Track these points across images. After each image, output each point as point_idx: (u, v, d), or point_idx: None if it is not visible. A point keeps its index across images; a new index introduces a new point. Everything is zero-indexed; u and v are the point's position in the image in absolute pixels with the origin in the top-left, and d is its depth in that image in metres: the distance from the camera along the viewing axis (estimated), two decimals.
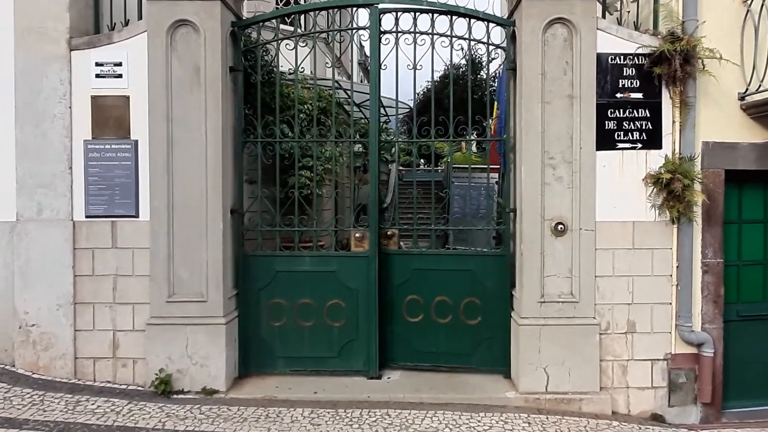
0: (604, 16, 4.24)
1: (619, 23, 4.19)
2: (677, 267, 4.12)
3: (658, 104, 4.10)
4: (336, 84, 5.31)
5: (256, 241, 4.47)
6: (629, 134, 4.11)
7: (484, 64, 4.72)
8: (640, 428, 3.87)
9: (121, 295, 4.16)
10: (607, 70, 4.09)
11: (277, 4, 10.33)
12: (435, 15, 4.37)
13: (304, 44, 4.42)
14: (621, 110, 4.10)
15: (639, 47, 4.07)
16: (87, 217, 4.15)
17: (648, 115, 4.11)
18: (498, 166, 5.90)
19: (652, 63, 4.01)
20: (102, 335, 4.17)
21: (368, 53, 4.50)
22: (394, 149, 6.62)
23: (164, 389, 3.97)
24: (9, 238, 4.18)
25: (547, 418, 3.82)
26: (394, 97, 4.64)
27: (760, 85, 3.89)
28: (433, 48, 4.37)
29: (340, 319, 4.40)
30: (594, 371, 4.04)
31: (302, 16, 4.55)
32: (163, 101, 4.03)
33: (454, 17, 4.36)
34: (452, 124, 4.38)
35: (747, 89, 4.05)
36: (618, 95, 4.10)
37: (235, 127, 4.37)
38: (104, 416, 3.60)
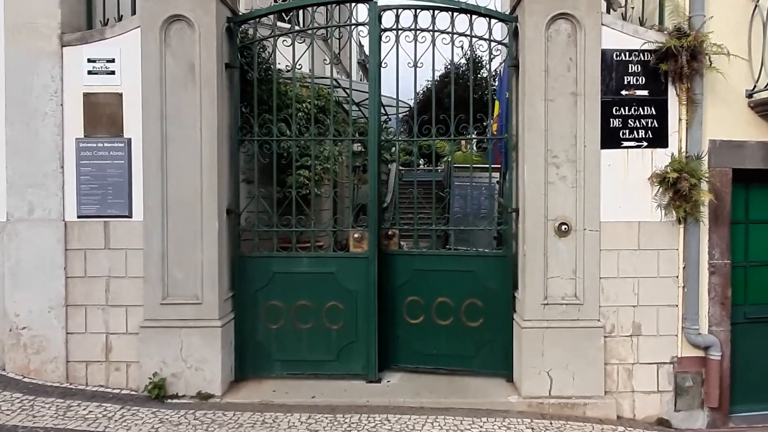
0: (608, 12, 4.14)
1: (624, 19, 4.09)
2: (683, 268, 4.03)
3: (664, 102, 4.01)
4: (335, 82, 5.22)
5: (252, 242, 4.37)
6: (634, 132, 4.01)
7: (485, 62, 4.60)
8: None
9: (114, 297, 4.06)
10: (612, 66, 3.99)
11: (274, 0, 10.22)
12: (436, 11, 4.28)
13: (301, 41, 4.32)
14: (626, 108, 4.01)
15: (645, 43, 3.97)
16: (79, 217, 4.05)
17: (654, 113, 4.01)
18: (499, 166, 5.84)
19: (659, 59, 3.92)
20: (94, 338, 4.07)
21: (368, 51, 4.40)
22: (393, 149, 6.56)
23: (158, 393, 3.87)
24: None
25: (551, 423, 3.72)
26: (395, 96, 4.58)
27: None
28: (434, 45, 4.30)
29: (339, 321, 4.31)
30: (598, 375, 3.95)
31: (300, 12, 4.46)
32: (156, 98, 3.93)
33: (456, 13, 4.27)
34: (453, 123, 4.30)
35: (755, 86, 3.96)
36: (623, 92, 4.01)
37: (231, 126, 4.27)
38: (96, 422, 3.50)
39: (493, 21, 4.28)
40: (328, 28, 4.40)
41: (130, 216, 4.04)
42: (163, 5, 3.91)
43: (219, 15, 4.01)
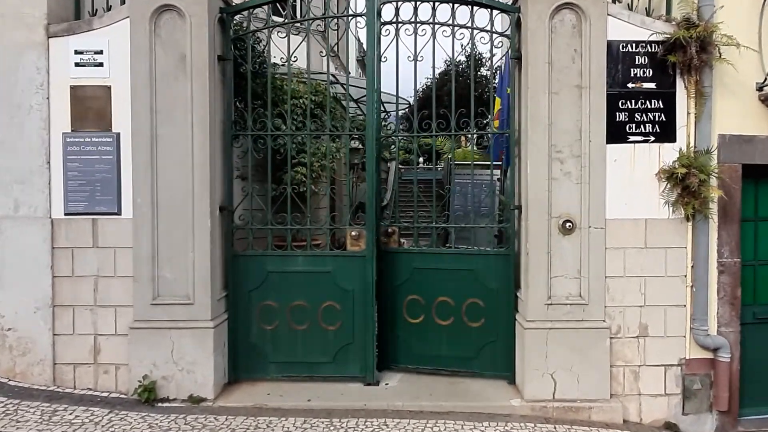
0: (614, 2, 4.00)
1: (630, 9, 3.95)
2: (692, 267, 3.90)
3: (672, 95, 3.88)
4: (333, 78, 5.08)
5: (246, 240, 4.24)
6: (641, 126, 3.88)
7: (486, 58, 4.49)
8: None
9: (102, 298, 3.92)
10: (618, 58, 3.86)
11: None
12: (436, 3, 4.15)
13: (296, 33, 4.18)
14: (633, 101, 3.88)
15: (652, 34, 3.84)
16: (66, 214, 3.91)
17: (661, 107, 3.88)
18: (500, 163, 5.71)
19: (666, 51, 3.79)
20: (82, 340, 3.94)
21: (365, 44, 4.27)
22: (393, 146, 6.41)
23: (148, 397, 3.74)
24: None
25: (555, 427, 3.60)
26: (394, 92, 4.47)
27: None
28: (434, 38, 4.20)
29: (336, 322, 4.18)
30: (604, 377, 3.83)
31: (297, 3, 4.32)
32: (146, 91, 3.80)
33: (457, 5, 4.14)
34: (454, 117, 4.19)
35: (766, 79, 3.84)
36: (629, 85, 3.87)
37: (224, 120, 4.14)
38: (82, 427, 3.37)
39: (495, 12, 4.15)
40: (325, 19, 4.25)
41: (119, 213, 3.90)
42: None
43: (211, 5, 3.87)
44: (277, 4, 4.27)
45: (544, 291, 3.83)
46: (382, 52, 4.21)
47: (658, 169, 3.87)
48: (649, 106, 3.88)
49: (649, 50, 3.85)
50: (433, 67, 4.36)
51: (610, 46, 3.83)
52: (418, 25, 4.21)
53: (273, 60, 4.49)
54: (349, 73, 14.20)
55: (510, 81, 4.27)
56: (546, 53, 3.78)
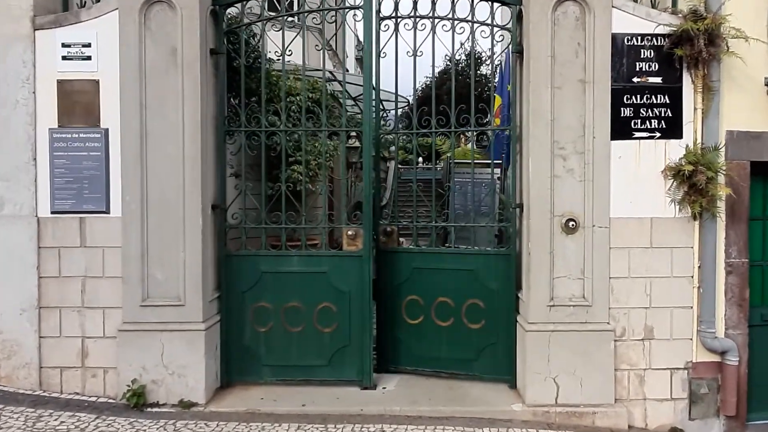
0: None
1: (636, 0, 3.83)
2: (699, 267, 3.78)
3: (679, 89, 3.75)
4: (330, 75, 4.97)
5: (240, 240, 4.11)
6: (647, 122, 3.76)
7: (486, 54, 4.39)
8: None
9: (90, 299, 3.79)
10: (623, 52, 3.73)
11: None
12: None
13: (291, 26, 4.07)
14: (638, 96, 3.75)
15: (658, 26, 3.72)
16: (53, 212, 3.78)
17: (667, 102, 3.76)
18: (500, 161, 5.60)
19: (673, 44, 3.66)
20: (70, 342, 3.81)
21: (362, 38, 4.16)
22: (391, 146, 6.31)
23: (137, 402, 3.61)
24: None
25: None
26: (393, 90, 4.37)
27: None
28: (433, 33, 4.12)
29: (332, 324, 4.06)
30: (608, 381, 3.71)
31: None
32: (135, 86, 3.67)
33: None
34: (454, 113, 4.08)
35: None
36: (635, 80, 3.75)
37: (216, 116, 4.02)
38: None
39: (496, 5, 4.05)
40: (321, 12, 4.12)
41: (107, 211, 3.78)
42: None
43: None
44: None
45: (546, 292, 3.71)
46: (381, 48, 4.14)
47: (664, 166, 3.75)
48: (655, 101, 3.75)
49: (655, 43, 3.73)
50: (433, 63, 4.29)
51: (615, 39, 3.71)
52: (418, 19, 4.13)
53: (268, 55, 4.38)
54: (348, 70, 14.10)
55: (511, 76, 4.15)
56: (548, 46, 3.66)
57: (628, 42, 3.74)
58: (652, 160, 3.76)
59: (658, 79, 3.75)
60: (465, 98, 4.11)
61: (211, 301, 3.89)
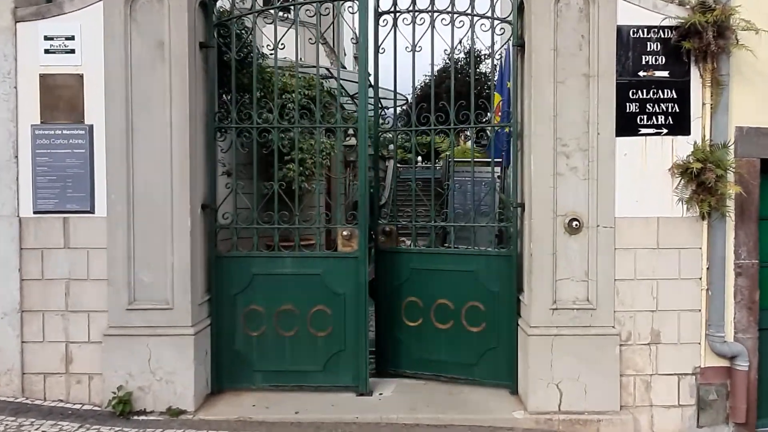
0: None
1: None
2: (707, 269, 3.64)
3: (687, 84, 3.61)
4: (326, 71, 4.82)
5: (231, 241, 3.97)
6: (653, 118, 3.62)
7: (486, 51, 4.25)
8: None
9: (74, 302, 3.65)
10: (629, 45, 3.59)
11: None
12: None
13: (284, 18, 3.92)
14: (644, 91, 3.61)
15: (665, 18, 3.58)
16: (35, 212, 3.64)
17: (675, 97, 3.62)
18: (500, 160, 5.46)
19: (681, 37, 3.52)
20: (53, 348, 3.67)
21: (358, 32, 4.02)
22: (390, 144, 6.17)
23: (123, 409, 3.47)
24: None
25: None
26: (392, 87, 4.27)
27: None
28: (433, 27, 4.01)
29: (326, 327, 3.92)
30: (613, 388, 3.57)
31: None
32: (121, 81, 3.53)
33: None
34: (453, 110, 3.97)
35: None
36: (641, 74, 3.61)
37: (206, 112, 3.88)
38: None
39: None
40: (314, 3, 3.97)
41: (92, 211, 3.64)
42: None
43: None
44: None
45: (549, 294, 3.57)
46: (380, 44, 4.04)
47: (671, 163, 3.61)
48: (662, 97, 3.61)
49: (662, 36, 3.59)
50: (432, 58, 4.18)
51: (620, 31, 3.57)
52: (417, 14, 4.02)
53: (262, 50, 4.23)
54: (345, 67, 13.95)
55: (512, 71, 4.01)
56: (551, 39, 3.52)
57: (633, 34, 3.60)
58: (658, 157, 3.62)
59: (665, 73, 3.61)
60: (464, 95, 4.01)
61: (200, 305, 3.75)
